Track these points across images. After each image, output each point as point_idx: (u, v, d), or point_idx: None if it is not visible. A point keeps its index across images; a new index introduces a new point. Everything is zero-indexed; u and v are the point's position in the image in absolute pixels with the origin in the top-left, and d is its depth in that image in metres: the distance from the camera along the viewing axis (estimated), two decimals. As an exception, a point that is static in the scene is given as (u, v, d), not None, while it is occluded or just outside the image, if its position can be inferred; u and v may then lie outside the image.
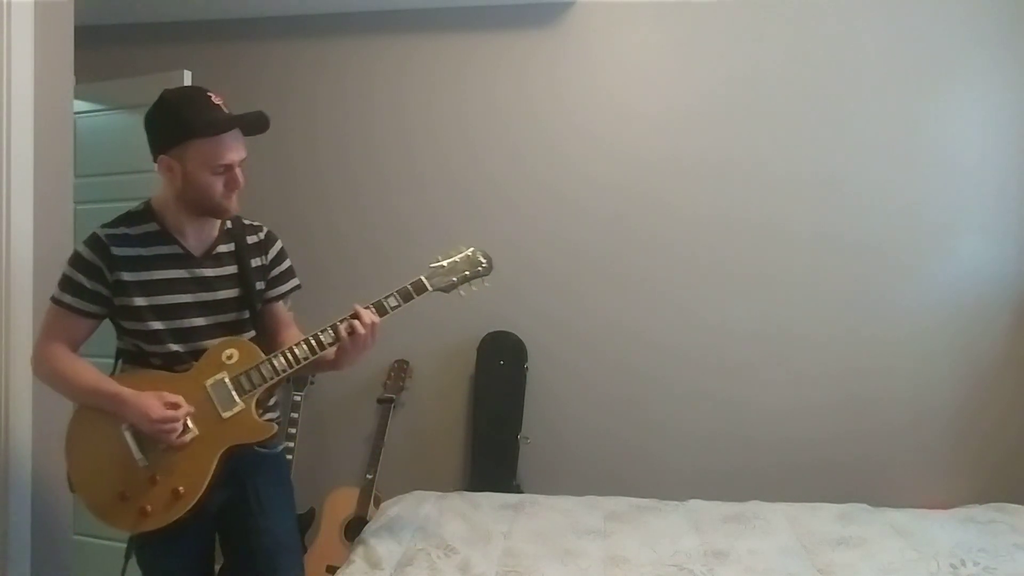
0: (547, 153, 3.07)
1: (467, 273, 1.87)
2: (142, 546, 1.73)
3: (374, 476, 2.91)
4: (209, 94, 1.64)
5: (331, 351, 1.75)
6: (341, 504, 2.93)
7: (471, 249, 1.90)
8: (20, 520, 2.03)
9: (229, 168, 1.64)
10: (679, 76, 3.01)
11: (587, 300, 3.06)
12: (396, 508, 2.31)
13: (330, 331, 1.72)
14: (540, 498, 2.47)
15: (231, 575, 1.85)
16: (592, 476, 2.99)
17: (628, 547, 2.01)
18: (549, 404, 3.08)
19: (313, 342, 1.72)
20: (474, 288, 1.89)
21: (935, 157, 2.89)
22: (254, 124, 1.66)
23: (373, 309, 1.75)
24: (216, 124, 1.60)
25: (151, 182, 2.81)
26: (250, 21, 3.20)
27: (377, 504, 2.64)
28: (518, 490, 2.87)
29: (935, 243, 2.89)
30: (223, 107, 1.64)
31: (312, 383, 3.14)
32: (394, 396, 3.04)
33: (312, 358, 1.71)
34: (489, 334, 3.06)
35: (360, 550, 2.02)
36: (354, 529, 2.70)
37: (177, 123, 1.60)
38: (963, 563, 1.88)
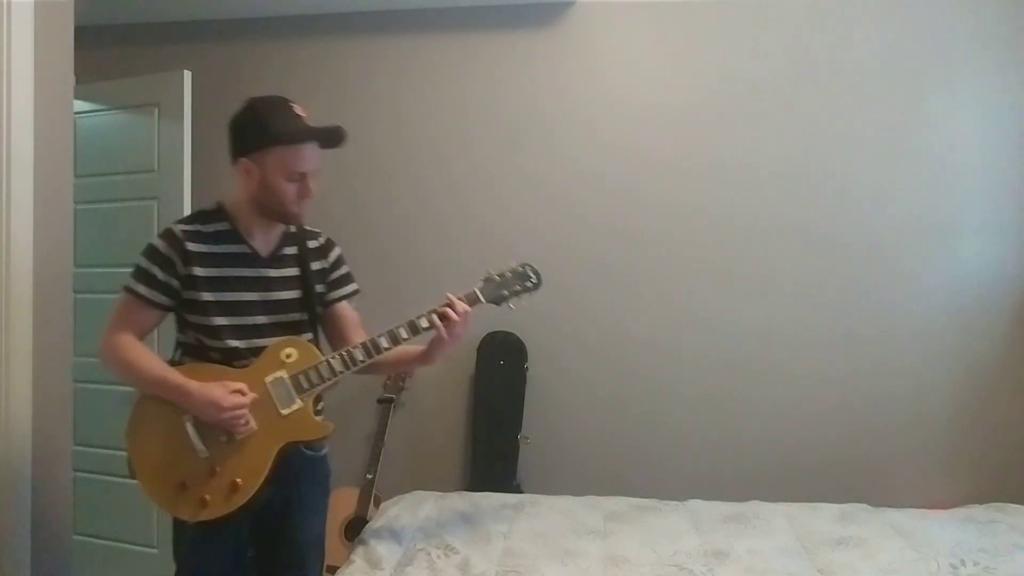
0: (547, 153, 3.07)
1: (517, 287, 1.91)
2: (182, 540, 1.77)
3: (374, 476, 2.90)
4: (292, 105, 1.73)
5: (414, 348, 1.84)
6: (341, 504, 2.92)
7: (522, 264, 1.94)
8: (20, 520, 2.03)
9: (304, 177, 1.72)
10: (679, 76, 3.01)
11: (587, 300, 3.06)
12: (396, 508, 2.30)
13: (386, 335, 1.78)
14: (540, 498, 2.46)
15: (260, 570, 1.90)
16: (592, 476, 2.99)
17: (628, 547, 2.01)
18: (549, 404, 3.08)
19: (370, 345, 1.78)
20: (523, 302, 1.93)
21: (935, 157, 2.89)
22: (332, 137, 1.75)
23: (464, 299, 1.82)
24: (299, 134, 1.70)
25: (151, 182, 2.85)
26: (250, 21, 3.20)
27: (377, 504, 2.64)
28: (518, 490, 2.87)
29: (935, 243, 2.89)
30: (304, 119, 1.72)
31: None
32: (394, 396, 3.04)
33: (369, 361, 1.78)
34: (489, 334, 3.06)
35: (360, 550, 2.02)
36: (354, 529, 2.69)
37: (262, 129, 1.69)
38: (963, 563, 1.87)
